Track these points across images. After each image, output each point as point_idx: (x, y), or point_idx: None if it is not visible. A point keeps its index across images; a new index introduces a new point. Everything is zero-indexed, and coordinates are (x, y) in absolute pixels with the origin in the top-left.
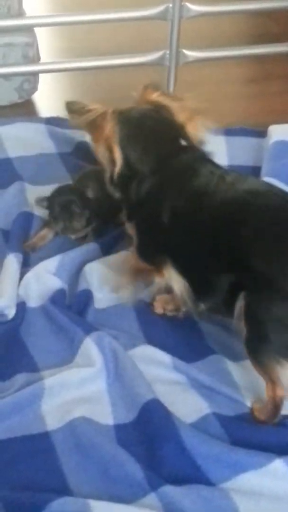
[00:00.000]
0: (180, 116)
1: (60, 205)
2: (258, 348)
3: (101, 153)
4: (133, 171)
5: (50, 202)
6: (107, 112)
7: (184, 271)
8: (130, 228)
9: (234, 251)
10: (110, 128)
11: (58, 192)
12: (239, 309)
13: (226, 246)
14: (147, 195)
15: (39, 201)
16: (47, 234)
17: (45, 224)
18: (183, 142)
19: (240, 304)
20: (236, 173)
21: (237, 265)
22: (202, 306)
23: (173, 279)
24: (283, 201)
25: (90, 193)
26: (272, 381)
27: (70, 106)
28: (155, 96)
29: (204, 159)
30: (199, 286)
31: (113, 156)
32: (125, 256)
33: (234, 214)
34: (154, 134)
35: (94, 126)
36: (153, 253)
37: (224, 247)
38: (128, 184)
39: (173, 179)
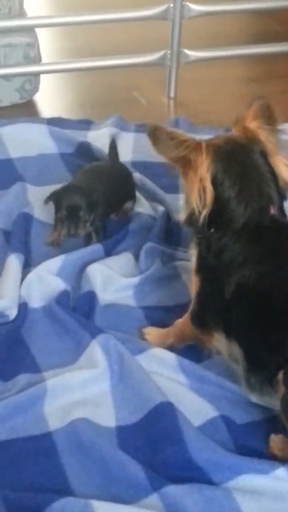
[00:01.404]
0: (273, 158)
1: (68, 209)
2: None
3: (191, 190)
4: (220, 220)
5: (58, 201)
6: (201, 146)
7: (240, 340)
8: (194, 281)
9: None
10: (205, 166)
11: (66, 191)
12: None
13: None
14: (224, 253)
15: (48, 197)
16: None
17: (58, 219)
18: (274, 208)
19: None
20: None
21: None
22: (253, 380)
23: (224, 344)
24: None
25: (97, 196)
26: None
27: (153, 132)
28: (253, 126)
29: None
30: (252, 359)
31: (205, 197)
32: (177, 323)
33: None
34: (251, 180)
35: (185, 162)
36: (208, 318)
37: (281, 328)
38: (210, 230)
39: (254, 249)
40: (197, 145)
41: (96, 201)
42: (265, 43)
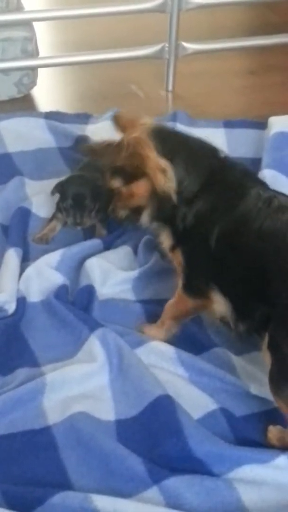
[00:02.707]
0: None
1: (73, 198)
2: (280, 383)
3: (155, 177)
4: (181, 193)
5: (63, 191)
6: (140, 137)
7: (229, 294)
8: (175, 258)
9: (268, 282)
10: (154, 152)
11: (71, 181)
12: (266, 342)
13: (263, 276)
14: (195, 219)
15: (54, 188)
16: (56, 225)
17: (53, 215)
18: (222, 154)
19: (267, 337)
20: (285, 196)
21: (269, 297)
22: (241, 327)
23: (219, 302)
24: None
25: (101, 184)
26: None
27: (88, 149)
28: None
29: (250, 177)
30: (240, 309)
31: (167, 175)
32: (168, 305)
33: (269, 246)
34: (195, 147)
35: (135, 158)
36: (201, 282)
37: (261, 277)
38: (175, 211)
39: (222, 200)
40: (137, 137)
41: (100, 189)
42: (263, 35)
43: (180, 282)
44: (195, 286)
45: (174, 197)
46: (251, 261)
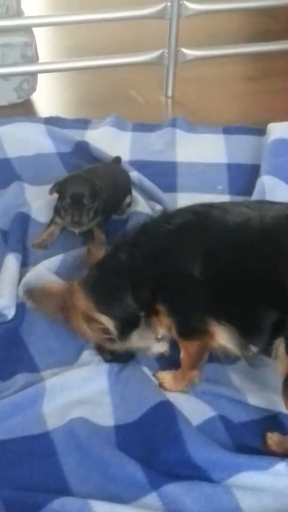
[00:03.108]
0: None
1: (72, 197)
2: None
3: (80, 328)
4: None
5: (62, 190)
6: (72, 287)
7: (230, 317)
8: (163, 318)
9: (273, 287)
10: (83, 302)
11: (70, 181)
12: (276, 350)
13: (265, 282)
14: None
15: (52, 187)
16: (55, 230)
17: (51, 220)
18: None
19: (277, 345)
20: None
21: (279, 302)
22: (253, 350)
23: (221, 332)
24: None
25: (99, 184)
26: None
27: (30, 294)
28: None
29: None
30: (247, 329)
31: (100, 324)
32: (182, 359)
33: (268, 248)
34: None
35: (66, 307)
36: (197, 319)
37: (263, 284)
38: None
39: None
40: (68, 287)
41: (99, 189)
42: (262, 42)
43: (174, 332)
44: (191, 325)
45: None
46: (251, 270)
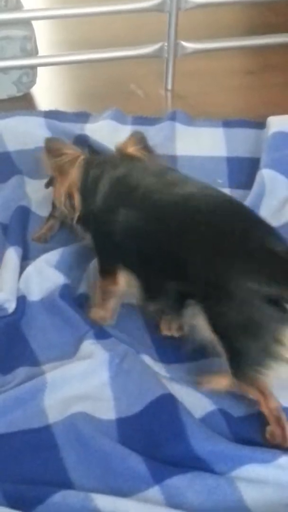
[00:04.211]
0: None
1: None
2: (236, 364)
3: (60, 198)
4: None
5: None
6: (77, 158)
7: (136, 274)
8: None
9: (173, 259)
10: (75, 175)
11: None
12: (190, 315)
13: (165, 253)
14: (99, 209)
15: (47, 182)
16: (54, 223)
17: (50, 214)
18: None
19: (190, 311)
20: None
21: (180, 273)
22: (152, 307)
23: (125, 281)
24: (218, 201)
25: None
26: (261, 393)
27: (48, 144)
28: (131, 150)
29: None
30: (148, 289)
31: (73, 203)
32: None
33: (168, 220)
34: (114, 181)
35: (61, 171)
36: (109, 262)
37: (163, 254)
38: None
39: (119, 184)
40: (75, 157)
41: None
42: (262, 35)
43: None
44: (106, 269)
45: (74, 221)
46: (150, 239)
